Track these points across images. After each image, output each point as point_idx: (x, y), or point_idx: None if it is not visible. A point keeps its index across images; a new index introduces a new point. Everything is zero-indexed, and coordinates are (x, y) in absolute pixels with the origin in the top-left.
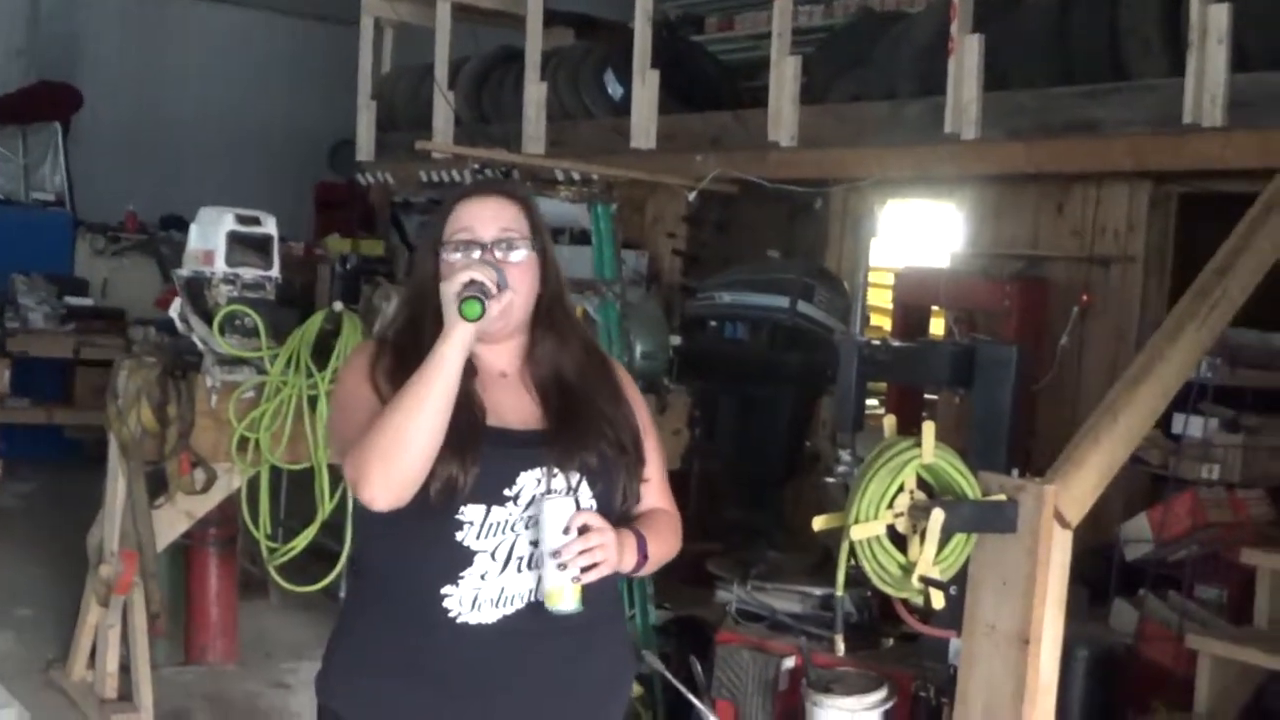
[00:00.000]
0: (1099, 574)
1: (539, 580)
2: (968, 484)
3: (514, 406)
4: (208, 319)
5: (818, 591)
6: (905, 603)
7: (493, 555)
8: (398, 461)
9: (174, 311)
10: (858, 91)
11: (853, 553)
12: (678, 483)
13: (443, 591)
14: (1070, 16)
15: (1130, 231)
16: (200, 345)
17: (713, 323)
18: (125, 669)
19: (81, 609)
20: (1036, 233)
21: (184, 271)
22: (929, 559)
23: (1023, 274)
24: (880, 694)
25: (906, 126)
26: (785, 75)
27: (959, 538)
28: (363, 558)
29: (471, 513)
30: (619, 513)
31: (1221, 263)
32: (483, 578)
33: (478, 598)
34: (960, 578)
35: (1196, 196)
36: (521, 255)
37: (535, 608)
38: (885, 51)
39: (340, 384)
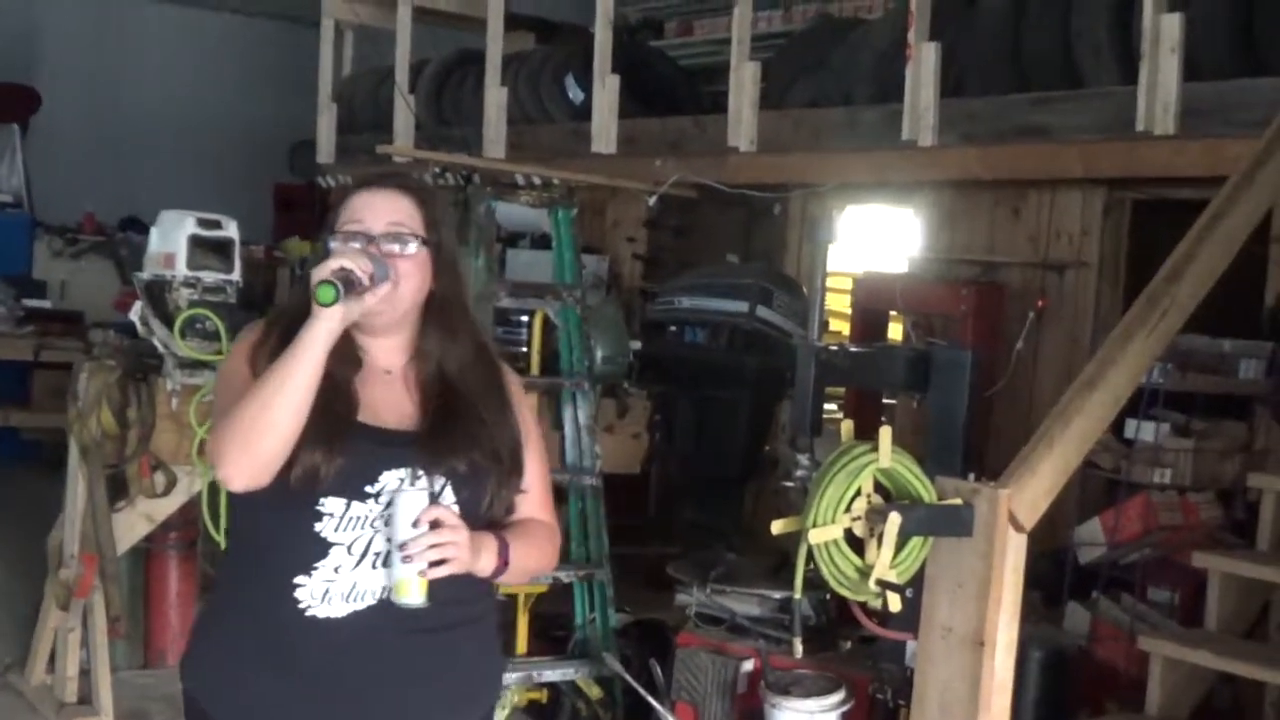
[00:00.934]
0: (1053, 577)
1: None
2: (924, 488)
3: (392, 404)
4: (169, 322)
5: (776, 595)
6: (862, 606)
7: (349, 549)
8: (254, 442)
9: (135, 314)
10: (816, 97)
11: (810, 556)
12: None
13: (295, 581)
14: (1023, 23)
15: (1084, 237)
16: (161, 348)
17: (672, 327)
18: (85, 672)
19: (41, 612)
20: (992, 238)
21: (145, 274)
22: (886, 562)
23: (979, 279)
24: (838, 696)
25: (864, 132)
26: (744, 80)
27: (915, 541)
28: (230, 542)
29: (332, 505)
30: (485, 519)
31: (1171, 270)
32: (336, 570)
33: (329, 591)
34: (916, 581)
35: (1150, 203)
36: (410, 249)
37: (385, 605)
38: (843, 57)
39: (223, 364)
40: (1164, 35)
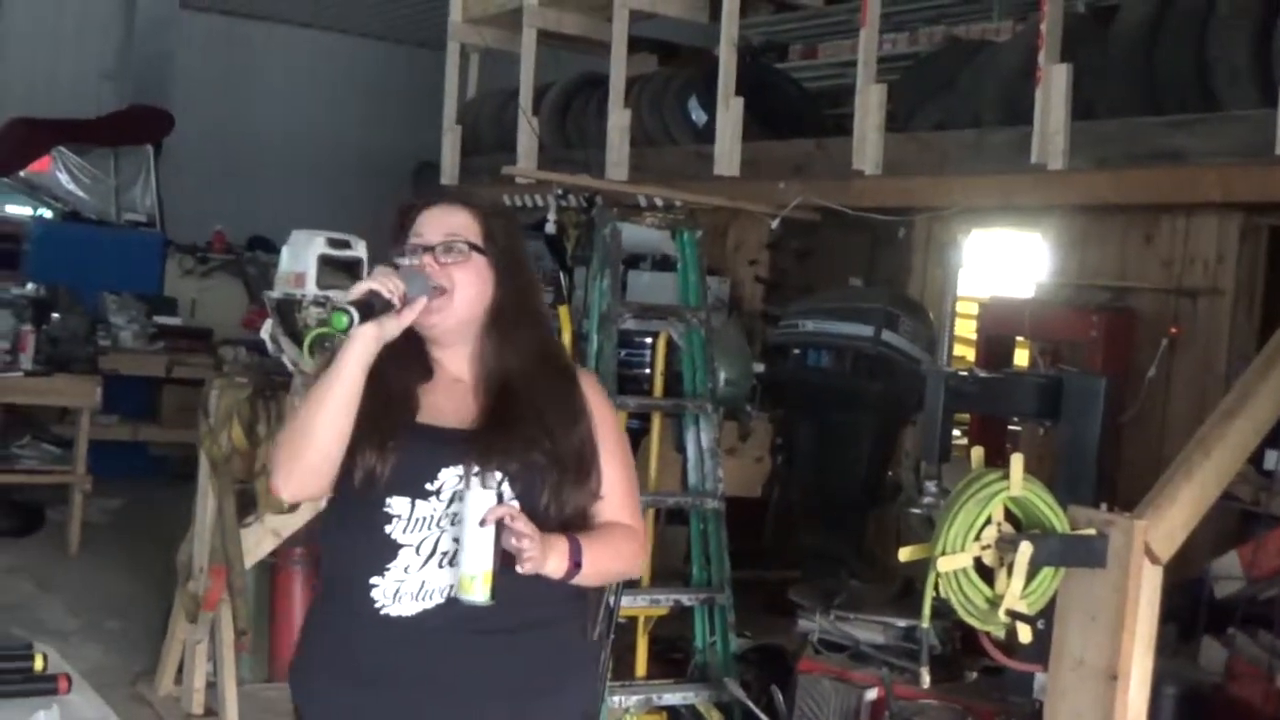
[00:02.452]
0: (1188, 611)
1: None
2: (1056, 517)
3: (455, 408)
4: (298, 340)
5: (901, 623)
6: (990, 636)
7: (417, 549)
8: (298, 454)
9: (265, 332)
10: (942, 120)
11: (937, 584)
12: (758, 510)
13: (371, 582)
14: (1158, 46)
15: (1219, 263)
16: (290, 366)
17: (795, 350)
18: (211, 684)
19: (169, 624)
20: (1124, 263)
21: (275, 293)
22: (1016, 592)
23: (1109, 305)
24: None
25: (991, 155)
26: (870, 103)
27: (1046, 571)
28: (322, 553)
29: (398, 506)
30: (552, 521)
31: None
32: (405, 570)
33: (399, 590)
34: (1047, 612)
35: None
36: (464, 255)
37: (453, 604)
38: (971, 79)
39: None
40: None
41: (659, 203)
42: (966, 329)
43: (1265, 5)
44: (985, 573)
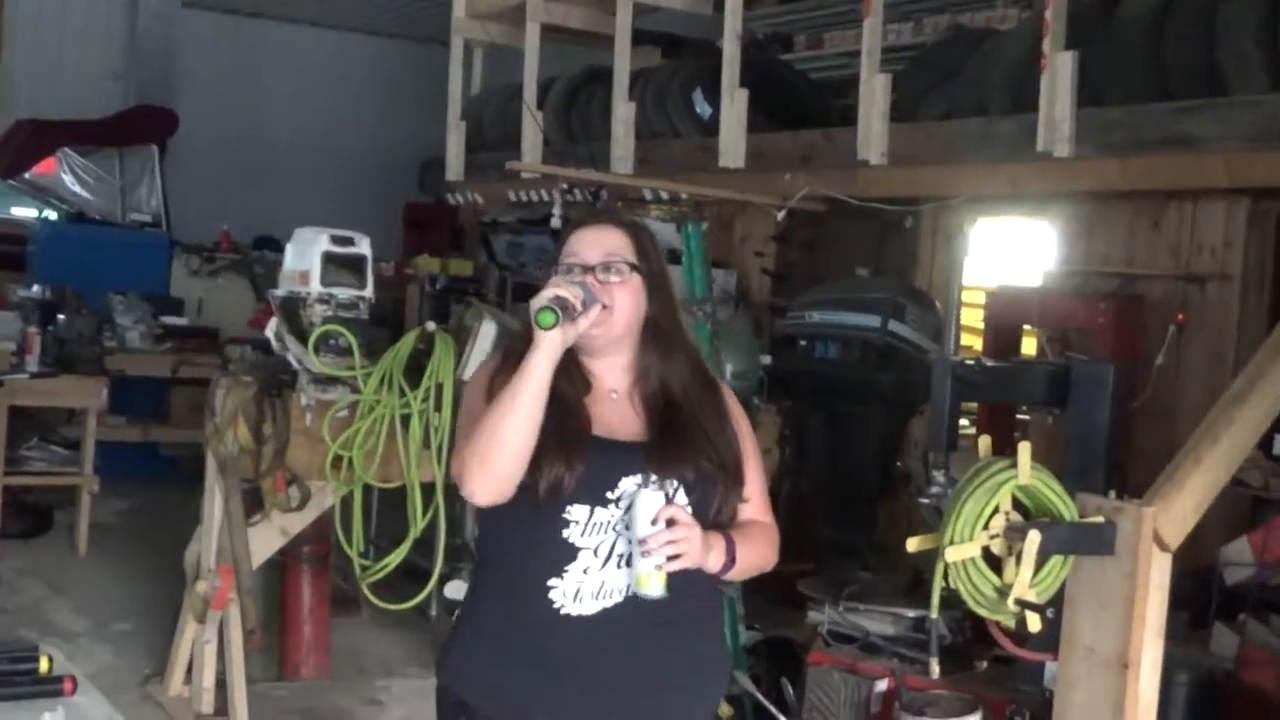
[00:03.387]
0: (1198, 598)
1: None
2: (1064, 505)
3: (620, 420)
4: (303, 338)
5: (911, 613)
6: (999, 625)
7: (595, 552)
8: (493, 459)
9: (270, 331)
10: (948, 109)
11: (946, 574)
12: None
13: (549, 584)
14: (1165, 31)
15: (1227, 249)
16: (295, 364)
17: (803, 341)
18: (221, 684)
19: (179, 624)
20: (1131, 250)
21: (279, 291)
22: (1025, 581)
23: (1117, 292)
24: (974, 717)
25: (998, 143)
26: (875, 93)
27: (1055, 560)
28: (483, 550)
29: (577, 512)
30: (712, 523)
31: None
32: (585, 572)
33: (580, 591)
34: (1057, 601)
35: None
36: (621, 277)
37: (631, 601)
38: (976, 68)
39: (465, 397)
40: None
41: (664, 196)
42: (974, 318)
43: None
44: (994, 562)
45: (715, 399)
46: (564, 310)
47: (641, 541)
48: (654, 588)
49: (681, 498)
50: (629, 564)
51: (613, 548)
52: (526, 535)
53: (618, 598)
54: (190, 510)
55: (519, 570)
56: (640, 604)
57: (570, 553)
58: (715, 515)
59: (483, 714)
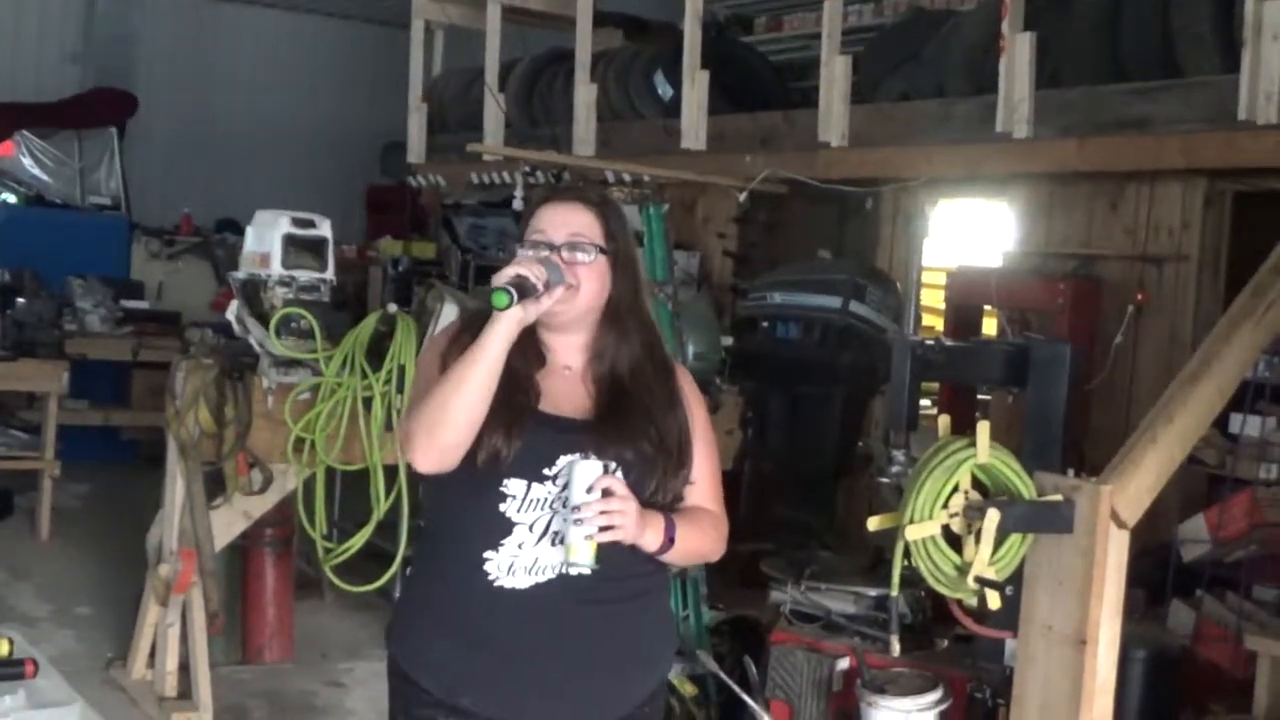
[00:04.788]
0: (1155, 575)
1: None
2: (1023, 484)
3: (569, 396)
4: (264, 321)
5: (872, 592)
6: (960, 603)
7: (530, 528)
8: (438, 431)
9: (230, 314)
10: (908, 90)
11: (907, 553)
12: (730, 483)
13: (484, 555)
14: (1121, 13)
15: (1184, 230)
16: (257, 347)
17: (764, 323)
18: (184, 667)
19: (141, 608)
20: (1089, 231)
21: (240, 274)
22: (984, 559)
23: (1076, 273)
24: (935, 695)
25: (957, 125)
26: (835, 75)
27: (1014, 538)
28: (426, 518)
29: (514, 487)
30: (649, 503)
31: (1278, 261)
32: (519, 547)
33: (514, 565)
34: (1016, 578)
35: (1251, 194)
36: (588, 258)
37: (563, 579)
38: (935, 50)
39: (419, 360)
40: (1266, 22)
41: (626, 178)
42: (935, 299)
43: None
44: (954, 540)
45: (667, 382)
46: (522, 290)
47: (575, 509)
48: (584, 557)
49: (619, 475)
50: (563, 541)
51: (548, 525)
52: (465, 506)
53: (550, 574)
54: (151, 494)
55: (457, 541)
56: (573, 582)
57: (506, 526)
58: (652, 496)
59: (421, 686)
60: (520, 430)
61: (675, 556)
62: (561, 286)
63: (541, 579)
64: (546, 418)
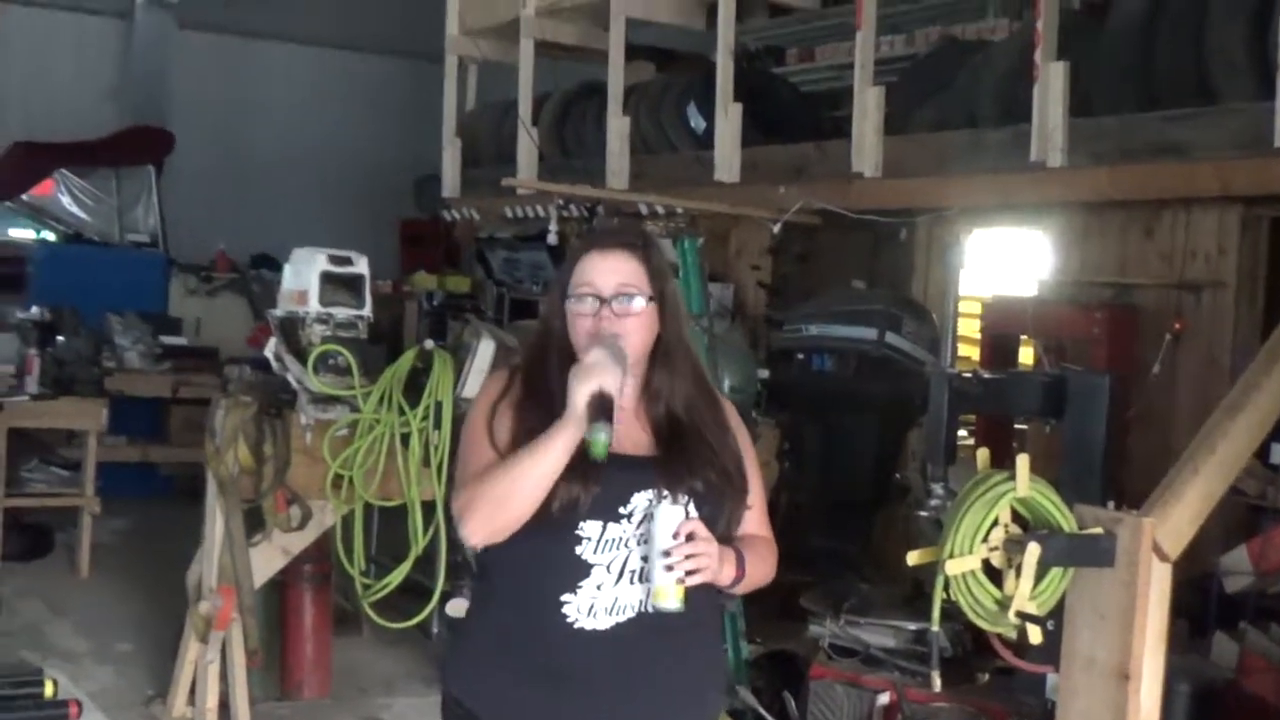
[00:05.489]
0: (1198, 606)
1: (648, 589)
2: (1063, 517)
3: (629, 435)
4: (302, 358)
5: (911, 626)
6: (1000, 637)
7: (608, 568)
8: (498, 517)
9: (269, 351)
10: (941, 120)
11: (947, 586)
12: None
13: (562, 599)
14: (1154, 40)
15: (1221, 256)
16: (295, 384)
17: (800, 355)
18: (225, 704)
19: (181, 644)
20: (1125, 259)
21: (278, 311)
22: (1025, 593)
23: (1112, 301)
24: None
25: (991, 154)
26: (868, 105)
27: (1055, 572)
28: (489, 563)
29: (590, 529)
30: (721, 535)
31: None
32: (599, 588)
33: (594, 606)
34: (1057, 612)
35: None
36: (639, 306)
37: (643, 616)
38: (968, 79)
39: (470, 411)
40: None
41: (660, 210)
42: (970, 328)
43: None
44: (994, 574)
45: (717, 412)
46: (605, 406)
47: (664, 554)
48: (672, 601)
49: (692, 511)
50: (643, 579)
51: (625, 563)
52: (539, 551)
53: (630, 613)
54: (189, 530)
55: (532, 585)
56: (650, 618)
57: (584, 569)
58: (727, 527)
59: None
60: (597, 477)
61: (743, 587)
62: (628, 377)
63: (622, 618)
64: (615, 458)
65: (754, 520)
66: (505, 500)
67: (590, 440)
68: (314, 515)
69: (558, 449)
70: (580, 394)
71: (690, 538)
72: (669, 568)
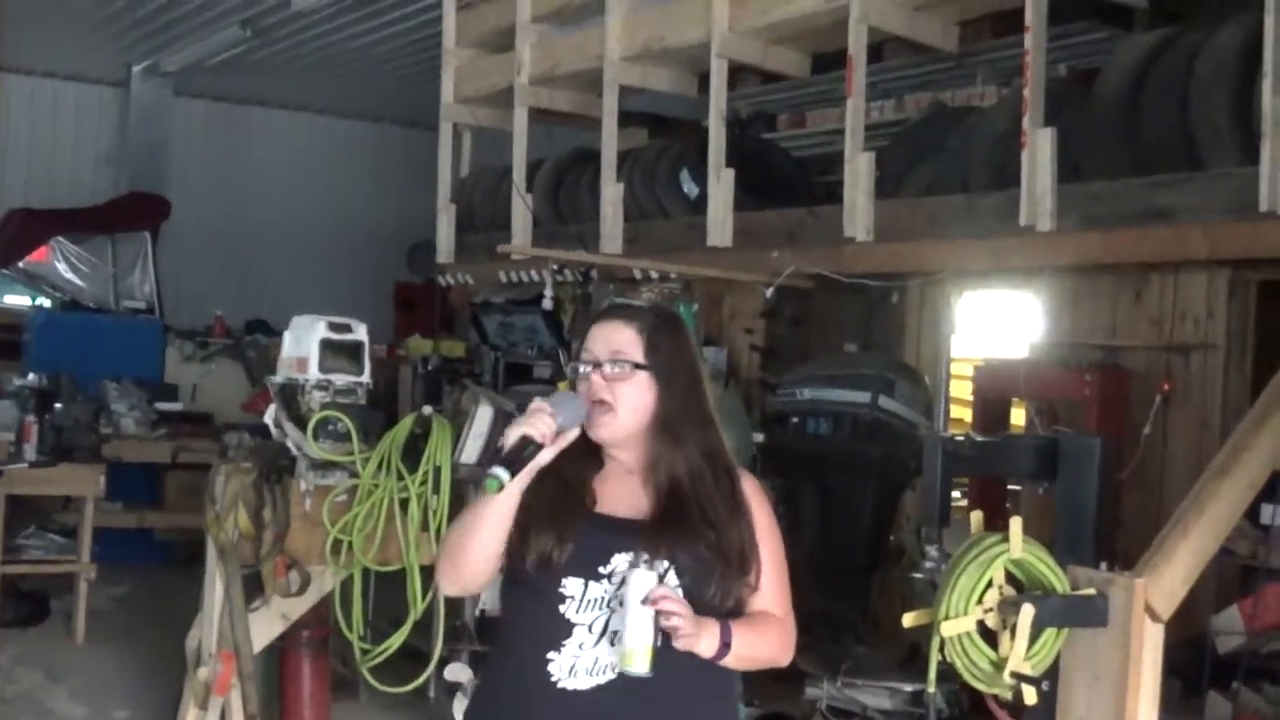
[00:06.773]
0: (1191, 666)
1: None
2: (1056, 578)
3: (628, 498)
4: (301, 424)
5: (908, 687)
6: (996, 698)
7: (589, 628)
8: (458, 565)
9: (269, 417)
10: (931, 184)
11: (942, 648)
12: None
13: (548, 657)
14: (1140, 107)
15: (1210, 319)
16: (294, 450)
17: (794, 418)
18: None
19: (180, 710)
20: (1115, 321)
21: (278, 378)
22: (1020, 654)
23: (1102, 363)
24: None
25: (981, 218)
26: (859, 170)
27: (1049, 632)
28: (500, 622)
29: (572, 586)
30: (708, 609)
31: None
32: (580, 647)
33: (575, 666)
34: (1052, 673)
35: (1276, 283)
36: (624, 373)
37: (624, 679)
38: (958, 144)
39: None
40: None
41: (654, 275)
42: (963, 390)
43: (1243, 65)
44: (989, 636)
45: (731, 488)
46: (518, 458)
47: (630, 619)
48: (639, 665)
49: (672, 578)
50: (620, 644)
51: (607, 624)
52: (528, 607)
53: (611, 674)
54: (186, 595)
55: (521, 642)
56: (632, 683)
57: (566, 628)
58: (712, 601)
59: None
60: (571, 534)
61: (735, 662)
62: (574, 430)
63: (602, 680)
64: (601, 519)
65: (767, 598)
66: (457, 549)
67: (486, 476)
68: (314, 580)
69: (489, 509)
70: (509, 438)
71: (660, 603)
72: (635, 631)
